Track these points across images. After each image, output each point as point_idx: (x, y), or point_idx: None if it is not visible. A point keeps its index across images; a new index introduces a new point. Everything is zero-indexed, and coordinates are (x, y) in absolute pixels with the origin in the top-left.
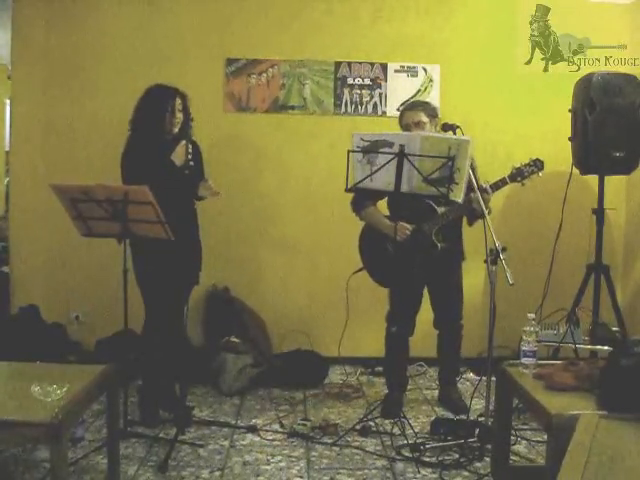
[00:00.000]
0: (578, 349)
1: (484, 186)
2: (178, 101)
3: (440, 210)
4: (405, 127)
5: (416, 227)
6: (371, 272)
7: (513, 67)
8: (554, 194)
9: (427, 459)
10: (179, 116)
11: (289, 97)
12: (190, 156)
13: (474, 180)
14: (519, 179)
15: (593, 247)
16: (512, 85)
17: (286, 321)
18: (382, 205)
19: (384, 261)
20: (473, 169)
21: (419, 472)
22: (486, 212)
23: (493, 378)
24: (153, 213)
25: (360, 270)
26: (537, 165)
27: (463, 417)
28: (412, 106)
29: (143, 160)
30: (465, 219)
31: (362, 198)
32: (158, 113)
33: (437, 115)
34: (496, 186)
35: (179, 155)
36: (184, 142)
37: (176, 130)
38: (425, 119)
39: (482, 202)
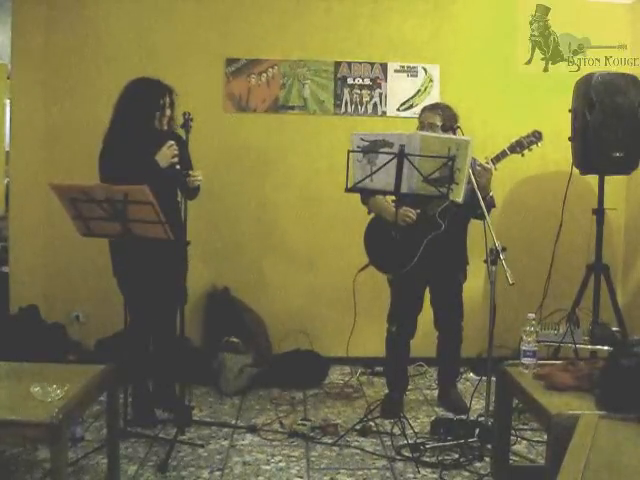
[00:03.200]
0: (578, 349)
1: (486, 160)
2: (167, 99)
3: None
4: (420, 126)
5: (420, 211)
6: (376, 261)
7: (513, 67)
8: (554, 194)
9: (427, 459)
10: (168, 113)
11: (289, 97)
12: (177, 159)
13: (471, 174)
14: (519, 149)
15: (593, 247)
16: (512, 85)
17: (286, 321)
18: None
19: (389, 247)
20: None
21: (419, 472)
22: (482, 201)
23: (493, 378)
24: (153, 213)
25: (366, 267)
26: (536, 136)
27: (463, 417)
28: (432, 107)
29: (125, 159)
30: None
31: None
32: (148, 110)
33: (454, 120)
34: (497, 159)
35: (165, 156)
36: (171, 143)
37: (165, 127)
38: (439, 123)
39: (475, 183)
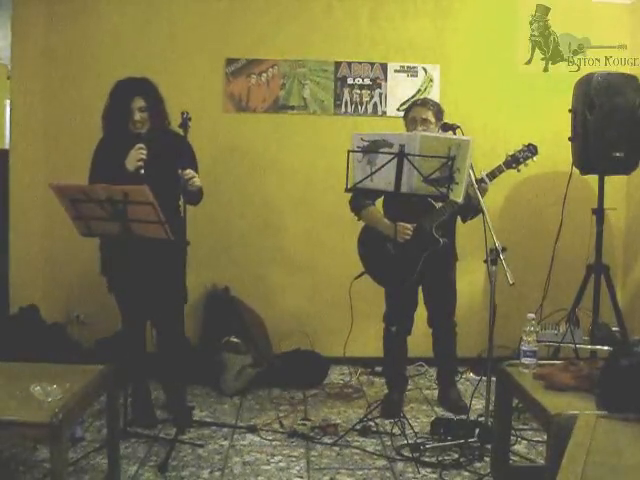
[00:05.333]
0: (578, 349)
1: (481, 176)
2: (138, 103)
3: (438, 205)
4: (410, 121)
5: (417, 225)
6: (373, 273)
7: (513, 67)
8: (554, 194)
9: (427, 459)
10: (139, 118)
11: (289, 97)
12: (142, 162)
13: (472, 174)
14: (514, 165)
15: (593, 247)
16: (512, 85)
17: (286, 321)
18: (378, 203)
19: (386, 261)
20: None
21: (419, 472)
22: (482, 202)
23: (493, 378)
24: (153, 213)
25: (361, 275)
26: (531, 150)
27: (463, 417)
28: (423, 103)
29: (100, 163)
30: (459, 217)
31: (361, 198)
32: (114, 112)
33: (442, 118)
34: (492, 175)
35: (132, 159)
36: (139, 146)
37: (143, 131)
38: (432, 119)
39: (479, 194)
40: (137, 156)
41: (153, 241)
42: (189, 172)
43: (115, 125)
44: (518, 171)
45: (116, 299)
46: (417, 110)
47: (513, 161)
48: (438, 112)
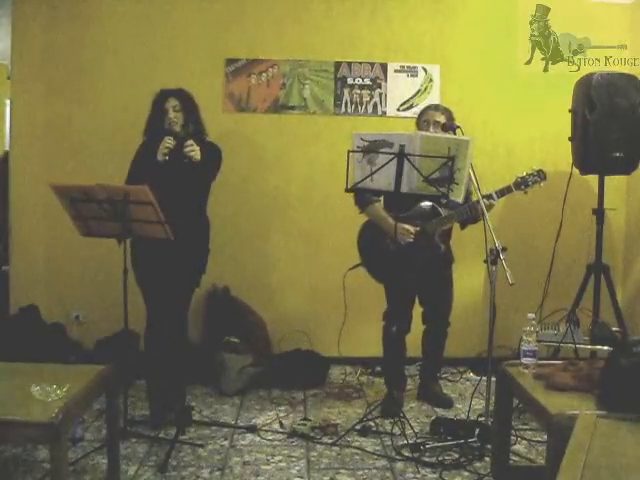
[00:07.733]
0: (578, 349)
1: (489, 193)
2: (172, 102)
3: (444, 212)
4: (423, 123)
5: (419, 229)
6: (370, 268)
7: (513, 67)
8: (554, 194)
9: (427, 459)
10: (173, 116)
11: (289, 97)
12: (166, 150)
13: (472, 175)
14: (523, 187)
15: (593, 247)
16: (512, 85)
17: (286, 321)
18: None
19: (385, 258)
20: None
21: (419, 472)
22: (487, 217)
23: (493, 378)
24: (153, 213)
25: (356, 266)
26: (540, 176)
27: (462, 417)
28: (437, 107)
29: (135, 160)
30: (459, 224)
31: (367, 193)
32: (152, 116)
33: (453, 122)
34: (501, 193)
35: (159, 150)
36: (167, 137)
37: (177, 129)
38: (444, 121)
39: (484, 209)
40: (164, 144)
41: (179, 241)
42: (191, 144)
43: (153, 125)
44: (525, 193)
45: (142, 292)
46: (431, 113)
47: (522, 183)
48: (449, 117)
